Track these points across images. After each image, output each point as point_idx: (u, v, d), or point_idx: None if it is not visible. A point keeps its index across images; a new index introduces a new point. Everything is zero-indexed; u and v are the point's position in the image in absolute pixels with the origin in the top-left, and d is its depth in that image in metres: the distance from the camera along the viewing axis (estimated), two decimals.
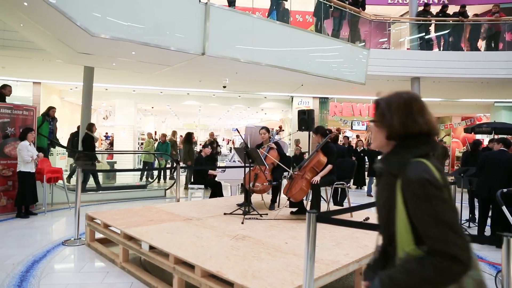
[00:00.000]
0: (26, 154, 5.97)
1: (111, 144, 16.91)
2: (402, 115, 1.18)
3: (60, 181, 7.22)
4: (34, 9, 5.77)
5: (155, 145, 12.52)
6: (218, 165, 9.18)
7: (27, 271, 3.63)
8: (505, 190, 3.92)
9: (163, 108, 18.54)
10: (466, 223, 6.10)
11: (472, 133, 10.97)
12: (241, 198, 5.84)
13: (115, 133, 15.86)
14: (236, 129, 6.54)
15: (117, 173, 10.74)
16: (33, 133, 6.31)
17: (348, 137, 11.47)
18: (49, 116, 8.07)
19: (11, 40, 8.29)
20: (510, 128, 10.15)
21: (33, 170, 6.18)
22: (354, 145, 11.50)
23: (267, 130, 5.30)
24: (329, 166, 4.56)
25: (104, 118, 19.88)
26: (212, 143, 10.63)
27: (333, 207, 5.51)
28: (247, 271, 2.67)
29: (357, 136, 13.25)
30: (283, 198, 5.38)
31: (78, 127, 9.84)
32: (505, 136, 12.18)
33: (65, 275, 3.63)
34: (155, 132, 19.50)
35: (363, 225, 2.62)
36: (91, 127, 8.81)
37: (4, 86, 7.21)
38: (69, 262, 3.98)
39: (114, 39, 6.12)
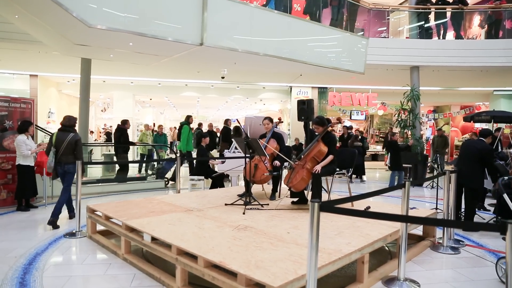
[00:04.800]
0: (24, 149, 5.85)
1: (108, 136, 16.81)
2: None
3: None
4: (30, 0, 5.68)
5: (148, 137, 12.38)
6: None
7: (30, 264, 3.64)
8: (505, 178, 3.92)
9: (161, 99, 18.46)
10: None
11: (471, 121, 10.96)
12: (241, 189, 5.85)
13: (114, 126, 15.77)
14: (236, 119, 6.54)
15: (116, 165, 10.70)
16: (32, 126, 6.24)
17: (347, 127, 11.43)
18: (189, 123, 9.29)
19: (6, 32, 8.17)
20: (509, 116, 10.13)
21: (32, 164, 6.15)
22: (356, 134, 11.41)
23: (270, 120, 5.28)
24: (330, 157, 4.54)
25: (102, 111, 19.80)
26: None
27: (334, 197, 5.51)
28: (250, 261, 2.68)
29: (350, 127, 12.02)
30: (284, 188, 5.38)
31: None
32: (504, 124, 12.21)
33: (67, 267, 3.64)
34: (154, 123, 19.42)
35: (365, 214, 2.63)
36: (227, 121, 10.48)
37: (125, 121, 8.07)
38: (71, 254, 3.99)
39: (111, 30, 6.06)
